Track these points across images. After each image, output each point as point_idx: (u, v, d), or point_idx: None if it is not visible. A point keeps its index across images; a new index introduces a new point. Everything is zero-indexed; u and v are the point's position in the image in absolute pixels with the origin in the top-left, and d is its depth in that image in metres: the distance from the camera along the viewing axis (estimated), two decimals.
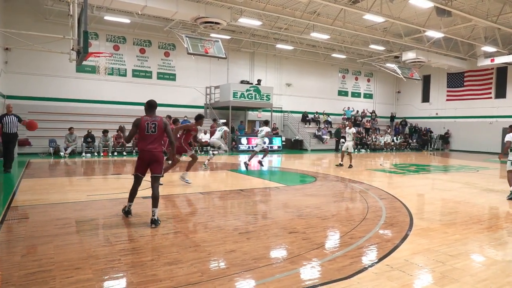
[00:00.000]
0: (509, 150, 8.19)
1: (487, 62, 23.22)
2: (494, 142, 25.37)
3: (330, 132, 25.88)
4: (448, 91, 28.80)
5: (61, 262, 3.73)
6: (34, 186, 8.40)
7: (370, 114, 29.29)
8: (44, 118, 17.62)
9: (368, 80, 31.05)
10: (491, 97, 26.23)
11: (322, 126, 26.22)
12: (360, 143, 25.55)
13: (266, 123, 13.11)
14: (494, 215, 6.65)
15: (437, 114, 29.45)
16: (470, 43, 21.24)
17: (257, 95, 21.95)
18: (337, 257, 4.08)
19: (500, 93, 25.84)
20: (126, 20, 18.58)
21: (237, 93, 21.18)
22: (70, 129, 16.16)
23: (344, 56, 26.39)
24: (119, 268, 3.65)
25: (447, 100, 28.84)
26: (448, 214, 6.45)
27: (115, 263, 3.77)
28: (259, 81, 23.28)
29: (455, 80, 28.24)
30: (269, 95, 22.46)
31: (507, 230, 5.40)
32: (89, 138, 16.62)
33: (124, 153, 17.24)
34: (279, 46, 23.33)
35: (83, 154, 16.21)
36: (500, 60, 22.43)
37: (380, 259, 4.03)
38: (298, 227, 5.29)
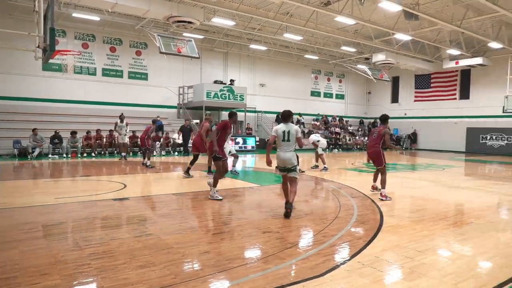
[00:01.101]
0: None
1: (452, 65, 24.21)
2: (458, 141, 26.53)
3: (303, 132, 26.15)
4: (416, 92, 29.82)
5: (27, 268, 3.59)
6: None
7: (338, 119, 29.87)
8: (8, 118, 16.90)
9: (340, 81, 31.66)
10: (455, 98, 27.38)
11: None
12: (334, 144, 26.05)
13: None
14: (459, 212, 6.94)
15: (405, 114, 30.41)
16: (436, 46, 22.07)
17: (231, 95, 21.91)
18: (310, 255, 4.13)
19: (464, 94, 27.02)
20: (95, 18, 18.07)
21: (210, 93, 21.06)
22: (33, 130, 15.53)
23: (316, 57, 26.79)
24: (89, 272, 3.55)
25: (415, 101, 29.85)
26: (416, 211, 6.67)
27: (84, 267, 3.66)
28: (232, 81, 23.24)
29: (422, 82, 29.27)
30: (243, 95, 22.47)
31: (471, 226, 5.64)
32: (56, 139, 16.04)
33: (93, 154, 16.77)
34: (252, 46, 23.38)
35: (50, 155, 15.64)
36: (464, 62, 23.45)
37: (352, 257, 4.11)
38: (272, 226, 5.32)
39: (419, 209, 6.79)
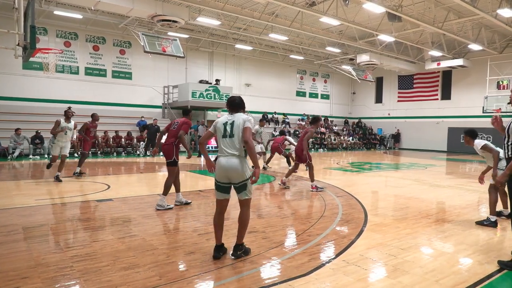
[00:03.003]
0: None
1: (433, 66, 24.70)
2: (440, 140, 27.11)
3: (289, 132, 26.30)
4: (399, 93, 30.31)
5: (6, 272, 3.50)
6: None
7: (323, 119, 30.13)
8: None
9: (325, 81, 31.92)
10: (437, 99, 27.96)
11: (281, 126, 26.63)
12: (319, 143, 26.30)
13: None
14: (441, 210, 7.07)
15: (389, 114, 30.88)
16: (418, 47, 22.46)
17: (216, 95, 21.84)
18: (295, 254, 4.15)
19: (446, 95, 27.61)
20: (78, 16, 17.74)
21: (196, 93, 20.94)
22: (17, 130, 15.18)
23: (302, 58, 26.94)
24: (71, 275, 3.48)
25: (398, 101, 30.35)
26: (399, 209, 6.77)
27: (66, 270, 3.59)
28: (218, 81, 23.17)
29: (405, 82, 29.78)
30: (229, 95, 22.38)
31: (452, 224, 5.76)
32: (37, 139, 15.70)
33: (76, 155, 16.46)
34: (238, 46, 23.34)
35: (30, 156, 15.29)
36: (445, 64, 23.98)
37: (337, 255, 4.15)
38: (258, 226, 5.33)
39: (402, 208, 6.90)
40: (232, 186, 3.95)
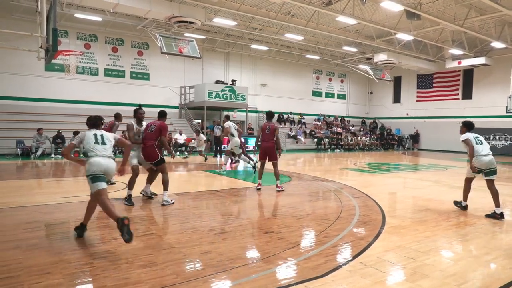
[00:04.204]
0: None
1: (454, 64, 24.12)
2: (461, 141, 26.41)
3: (305, 132, 26.22)
4: (418, 92, 29.73)
5: (30, 267, 3.60)
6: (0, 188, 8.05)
7: (339, 120, 29.84)
8: (11, 118, 16.97)
9: (342, 81, 31.62)
10: (458, 98, 27.28)
11: (297, 126, 26.54)
12: (335, 144, 26.10)
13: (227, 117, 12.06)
14: (462, 212, 6.91)
15: (407, 114, 30.32)
16: (438, 45, 22.02)
17: (232, 95, 21.92)
18: (312, 256, 4.13)
19: (467, 94, 26.92)
20: (97, 18, 18.12)
21: (212, 93, 21.08)
22: (39, 129, 15.62)
23: (318, 57, 26.77)
24: (91, 271, 3.56)
25: (417, 101, 29.76)
26: (418, 211, 6.65)
27: (87, 267, 3.67)
28: (234, 81, 23.26)
29: (425, 82, 29.19)
30: (244, 95, 22.48)
31: (474, 227, 5.62)
32: (58, 139, 16.10)
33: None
34: (254, 46, 23.38)
35: (52, 155, 15.69)
36: (466, 62, 23.38)
37: (354, 257, 4.10)
38: (274, 226, 5.32)
39: (421, 210, 6.77)
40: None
